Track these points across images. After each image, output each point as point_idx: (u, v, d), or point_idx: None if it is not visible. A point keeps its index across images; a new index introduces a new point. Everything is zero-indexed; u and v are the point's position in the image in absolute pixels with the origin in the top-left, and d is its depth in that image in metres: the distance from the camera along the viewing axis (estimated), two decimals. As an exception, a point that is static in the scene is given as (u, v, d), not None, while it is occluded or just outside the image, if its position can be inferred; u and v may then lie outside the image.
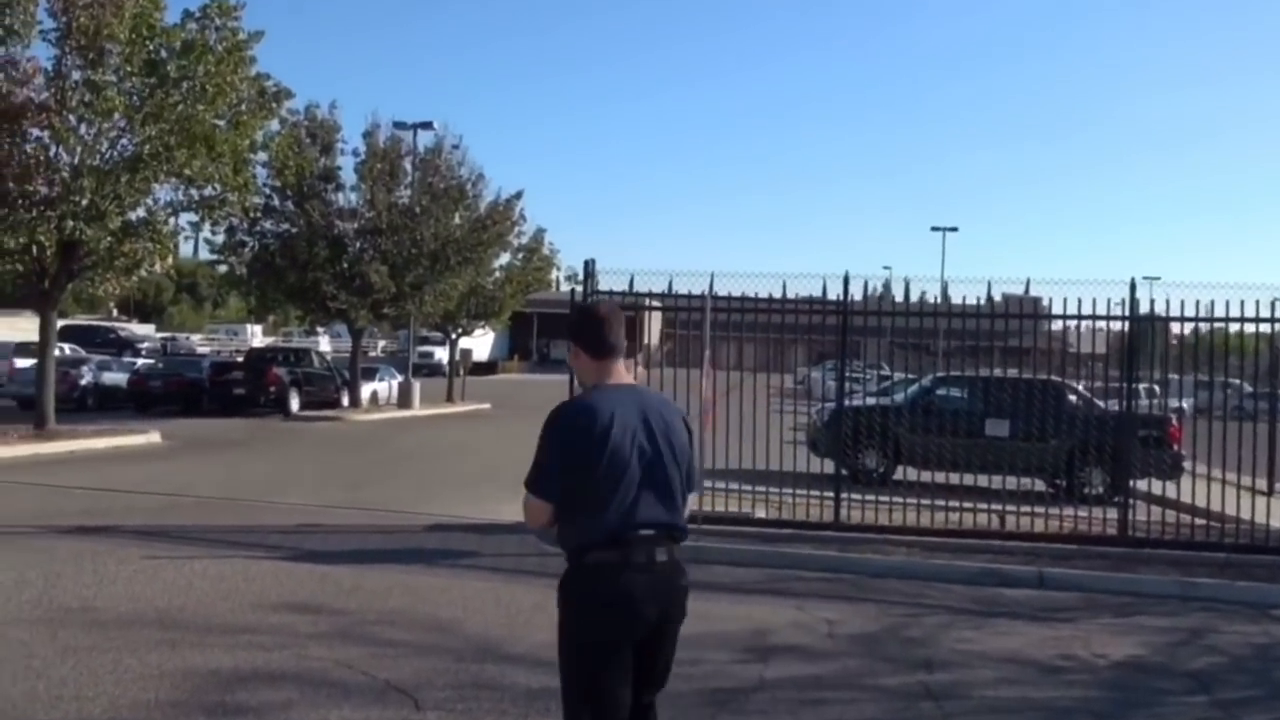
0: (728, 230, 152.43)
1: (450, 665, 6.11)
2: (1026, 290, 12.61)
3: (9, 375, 26.54)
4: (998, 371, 12.73)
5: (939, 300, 12.24)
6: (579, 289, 11.48)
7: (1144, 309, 10.69)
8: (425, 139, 29.43)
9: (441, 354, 41.86)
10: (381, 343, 59.31)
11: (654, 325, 13.32)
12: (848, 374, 11.68)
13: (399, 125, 28.80)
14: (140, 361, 30.72)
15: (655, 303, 12.07)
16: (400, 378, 31.63)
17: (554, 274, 40.18)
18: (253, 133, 18.40)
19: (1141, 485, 11.66)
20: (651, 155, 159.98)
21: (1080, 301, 10.51)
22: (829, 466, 11.46)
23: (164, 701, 5.29)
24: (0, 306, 33.23)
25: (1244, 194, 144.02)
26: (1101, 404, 12.07)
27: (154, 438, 19.00)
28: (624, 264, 28.97)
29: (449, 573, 8.86)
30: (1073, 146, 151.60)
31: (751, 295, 11.30)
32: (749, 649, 6.77)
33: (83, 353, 30.25)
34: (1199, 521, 10.84)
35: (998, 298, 11.76)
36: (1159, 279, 10.88)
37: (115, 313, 60.44)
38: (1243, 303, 10.34)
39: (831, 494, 10.90)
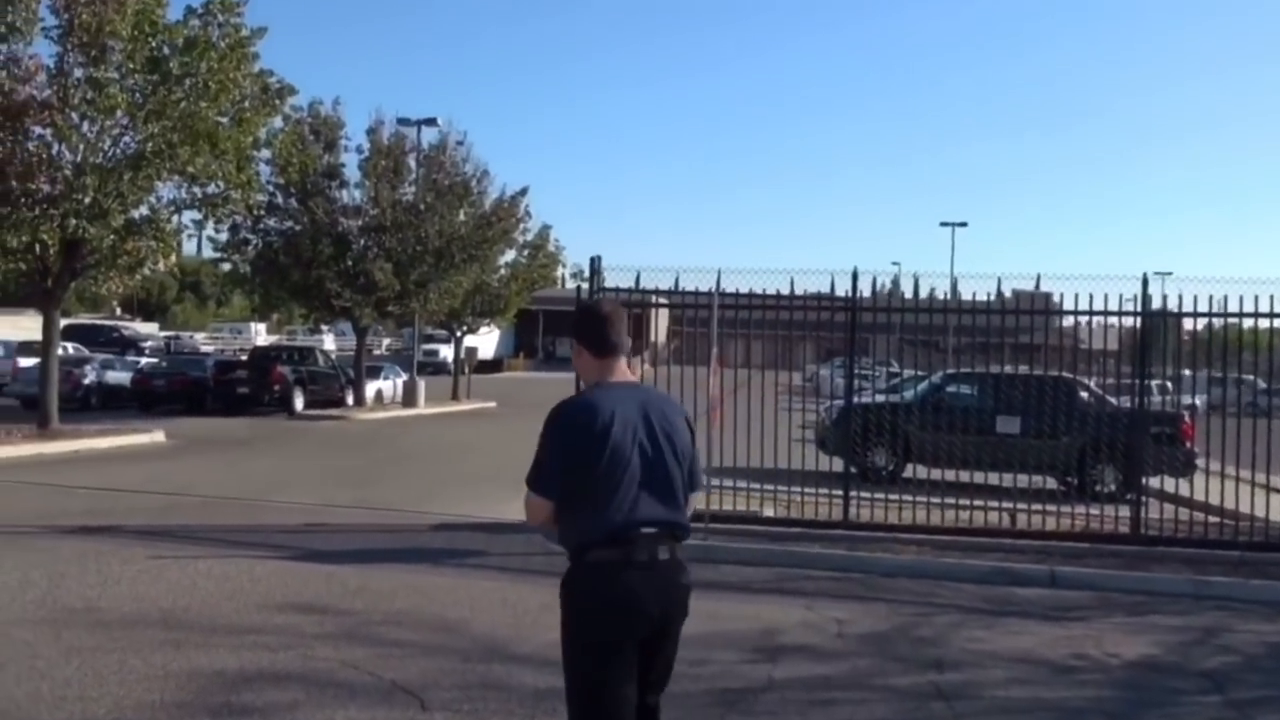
0: (732, 225, 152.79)
1: (457, 665, 6.09)
2: (1037, 286, 12.50)
3: (12, 374, 26.60)
4: (1008, 368, 12.65)
5: (948, 296, 12.20)
6: (585, 286, 11.42)
7: (1156, 304, 10.63)
8: (429, 135, 29.43)
9: (446, 352, 41.87)
10: (386, 341, 59.32)
11: (661, 322, 13.26)
12: (856, 371, 11.63)
13: (403, 121, 28.74)
14: (144, 360, 30.75)
15: (662, 300, 12.00)
16: (405, 376, 31.59)
17: (559, 271, 40.06)
18: (256, 130, 18.38)
19: (1154, 483, 11.58)
20: (652, 148, 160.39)
21: (1091, 297, 10.47)
22: (838, 464, 11.42)
23: (169, 702, 5.27)
24: (3, 305, 33.25)
25: (1257, 186, 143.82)
26: (1113, 401, 12.00)
27: (158, 437, 18.98)
28: (626, 259, 29.04)
29: (455, 572, 8.84)
30: (1083, 140, 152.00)
31: (759, 292, 11.25)
32: (758, 649, 6.73)
33: (86, 352, 30.31)
34: (1212, 519, 10.75)
35: (1008, 293, 11.71)
36: (1171, 274, 10.79)
37: (119, 311, 60.57)
38: (1256, 298, 10.27)
39: (840, 492, 10.85)
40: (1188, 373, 11.66)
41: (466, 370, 34.36)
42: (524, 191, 30.25)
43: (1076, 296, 10.53)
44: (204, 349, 44.75)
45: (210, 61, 16.66)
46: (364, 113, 54.26)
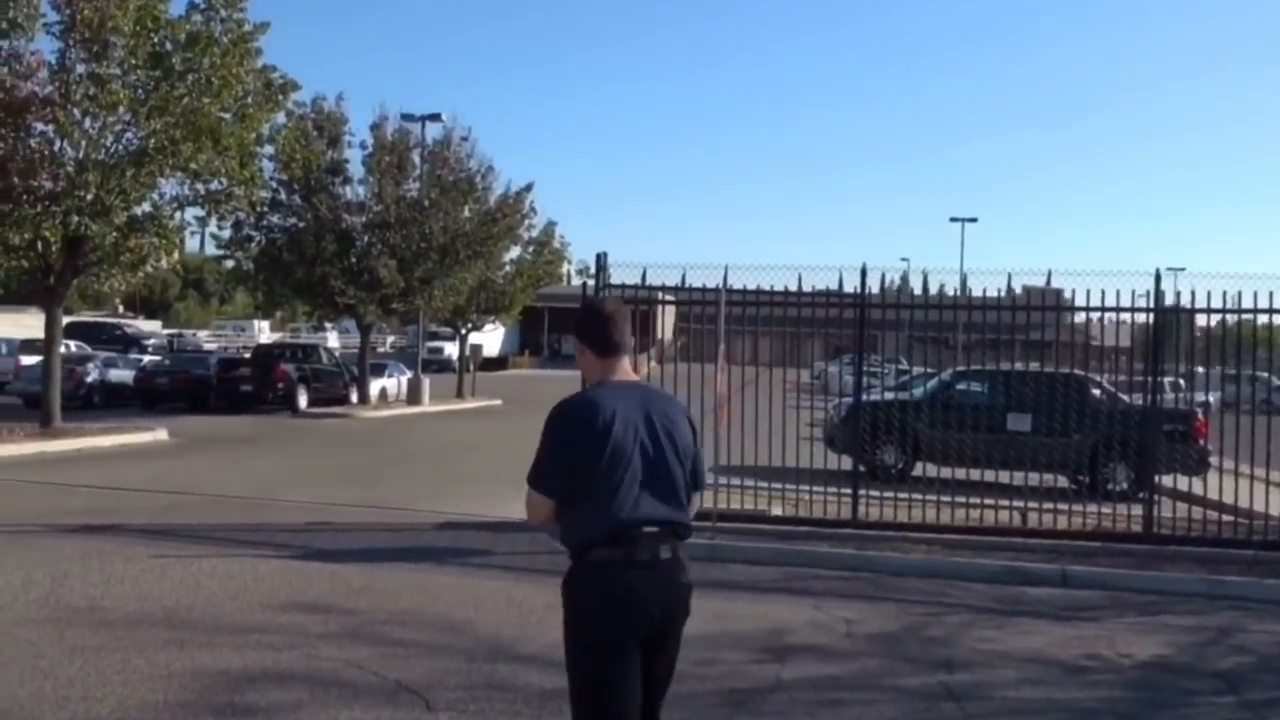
0: (736, 221, 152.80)
1: (462, 665, 6.06)
2: (1048, 282, 12.42)
3: (14, 373, 26.58)
4: (1019, 365, 12.57)
5: (958, 292, 12.11)
6: (590, 283, 11.36)
7: (1169, 300, 10.54)
8: (433, 131, 29.36)
9: (451, 349, 41.83)
10: (390, 338, 59.41)
11: (667, 319, 13.19)
12: (865, 368, 11.55)
13: (407, 117, 28.68)
14: (146, 358, 30.73)
15: (668, 296, 11.93)
16: (409, 374, 31.56)
17: (565, 268, 40.00)
18: (259, 126, 18.31)
19: (1167, 481, 11.52)
20: (655, 143, 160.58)
21: (1104, 293, 10.43)
22: (846, 463, 11.38)
23: (172, 702, 5.26)
24: (5, 303, 33.29)
25: (1261, 184, 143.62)
26: (1125, 398, 11.93)
27: (161, 435, 18.95)
28: (630, 255, 28.90)
29: (460, 571, 8.81)
30: (1096, 134, 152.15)
31: (767, 288, 11.18)
32: (766, 649, 6.71)
33: (89, 349, 30.28)
34: (1226, 518, 10.70)
35: (1018, 290, 11.63)
36: (1183, 269, 10.70)
37: (121, 309, 60.65)
38: (1271, 293, 10.18)
39: (849, 491, 10.78)
40: (1201, 369, 11.57)
41: (471, 368, 34.35)
42: (529, 187, 30.19)
43: (1089, 292, 10.49)
44: (207, 347, 44.80)
45: (213, 57, 16.60)
46: (367, 108, 54.20)
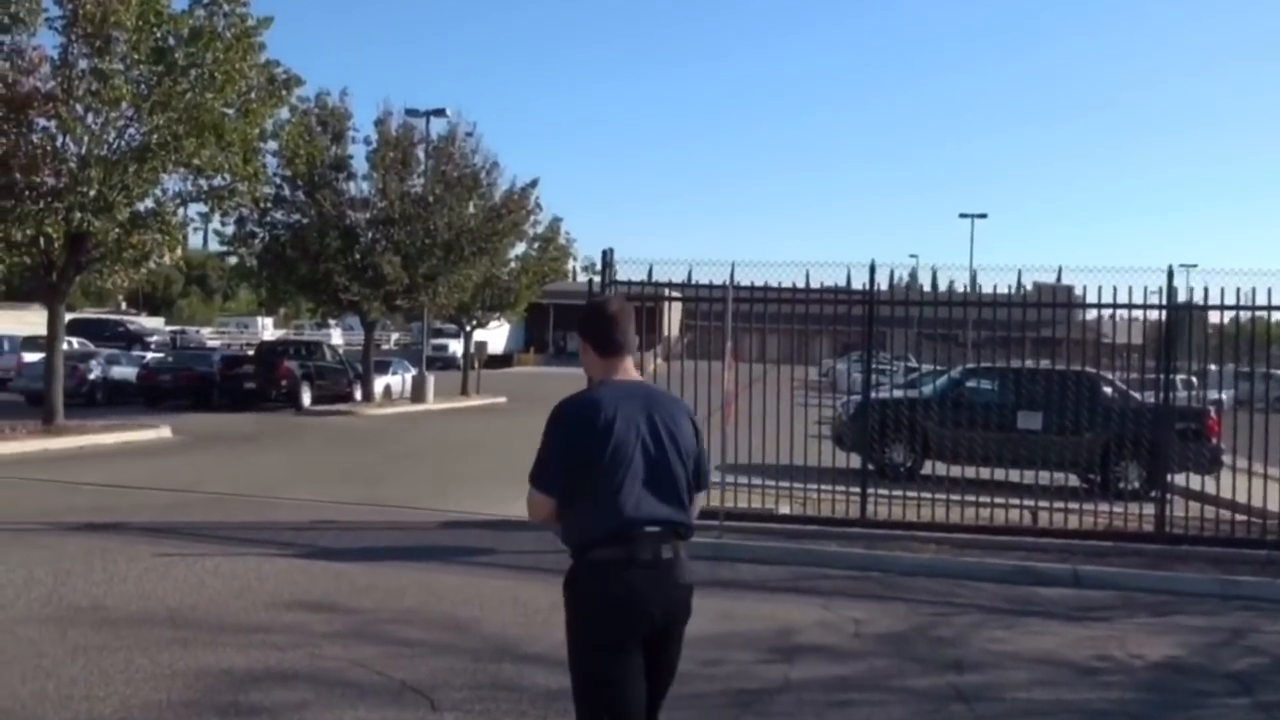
0: (741, 217, 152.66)
1: (467, 665, 6.03)
2: (1059, 278, 12.36)
3: (17, 370, 26.57)
4: (1029, 363, 12.49)
5: (968, 289, 12.03)
6: (596, 279, 11.29)
7: (1181, 297, 10.46)
8: (438, 126, 29.29)
9: (456, 347, 41.84)
10: (395, 335, 59.43)
11: (674, 316, 13.11)
12: (874, 365, 11.49)
13: (411, 113, 28.65)
14: (149, 355, 30.69)
15: (675, 293, 11.86)
16: (414, 371, 31.54)
17: (570, 264, 39.88)
18: (262, 121, 18.25)
19: (1179, 480, 11.44)
20: (658, 139, 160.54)
21: (1115, 290, 10.35)
22: (855, 461, 11.35)
23: (176, 702, 5.23)
24: (8, 300, 33.33)
25: (1265, 181, 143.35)
26: (1137, 396, 11.84)
27: (164, 433, 18.91)
28: (634, 251, 28.82)
29: (465, 570, 8.79)
30: (1098, 131, 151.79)
31: (774, 285, 11.12)
32: (774, 649, 6.68)
33: (91, 346, 30.20)
34: (1239, 517, 10.62)
35: (1029, 286, 11.55)
36: (1196, 266, 10.55)
37: (124, 306, 60.68)
38: (1285, 289, 10.07)
39: (858, 489, 10.75)
40: (1213, 367, 11.49)
41: (476, 365, 34.29)
42: (534, 183, 30.15)
43: (1100, 289, 10.43)
44: (210, 343, 44.71)
45: (216, 52, 16.54)
46: (371, 103, 54.37)
